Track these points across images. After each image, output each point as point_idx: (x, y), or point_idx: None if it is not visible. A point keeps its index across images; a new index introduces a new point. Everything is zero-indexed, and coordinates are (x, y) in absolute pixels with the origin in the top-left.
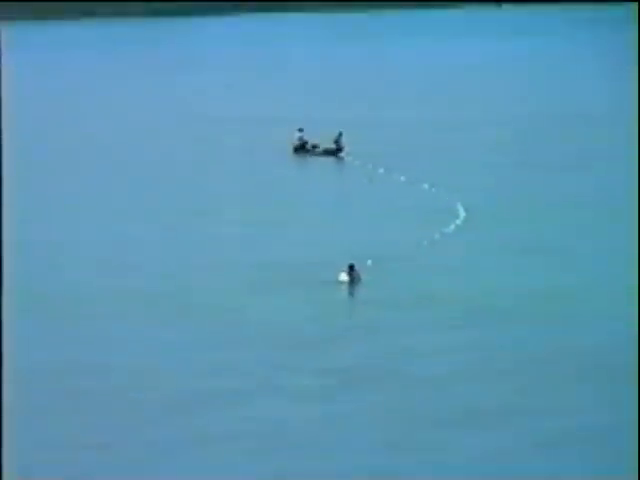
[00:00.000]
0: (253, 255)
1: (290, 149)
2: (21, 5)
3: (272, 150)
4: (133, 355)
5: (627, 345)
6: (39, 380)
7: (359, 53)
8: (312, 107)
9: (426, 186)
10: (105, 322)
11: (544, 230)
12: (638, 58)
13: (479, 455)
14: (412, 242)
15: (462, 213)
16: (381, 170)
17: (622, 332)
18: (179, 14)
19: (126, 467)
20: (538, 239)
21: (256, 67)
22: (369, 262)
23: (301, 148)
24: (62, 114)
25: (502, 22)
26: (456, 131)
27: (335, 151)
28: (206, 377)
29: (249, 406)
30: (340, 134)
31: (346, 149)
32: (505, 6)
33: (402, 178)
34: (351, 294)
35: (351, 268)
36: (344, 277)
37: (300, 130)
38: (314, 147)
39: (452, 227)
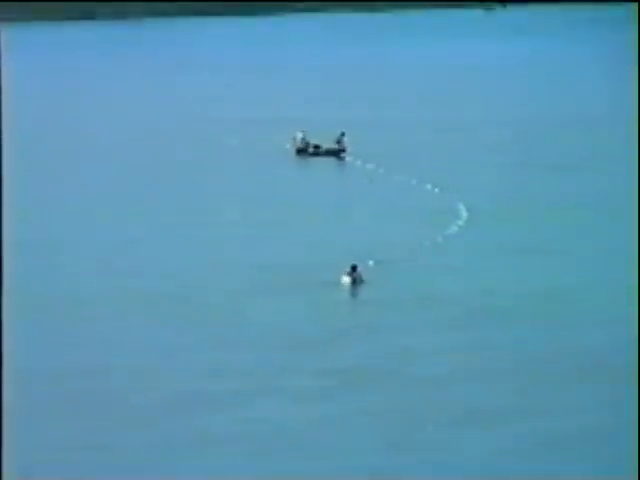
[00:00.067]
0: (255, 256)
1: (292, 150)
2: (21, 6)
3: (274, 151)
4: (133, 356)
5: (627, 345)
6: (39, 380)
7: (360, 54)
8: (314, 108)
9: (428, 186)
10: (105, 323)
11: (545, 231)
12: (638, 58)
13: (479, 455)
14: (414, 243)
15: (464, 214)
16: (383, 171)
17: (622, 332)
18: (179, 15)
19: (127, 468)
20: (539, 240)
21: (257, 68)
22: (371, 263)
23: (303, 149)
24: (62, 115)
25: (502, 23)
26: (458, 131)
27: (337, 152)
28: (207, 378)
29: (251, 407)
30: (342, 135)
31: (348, 150)
32: (509, 6)
33: (404, 179)
34: (353, 295)
35: (353, 269)
36: (346, 278)
37: (302, 131)
38: (316, 148)
39: (454, 228)
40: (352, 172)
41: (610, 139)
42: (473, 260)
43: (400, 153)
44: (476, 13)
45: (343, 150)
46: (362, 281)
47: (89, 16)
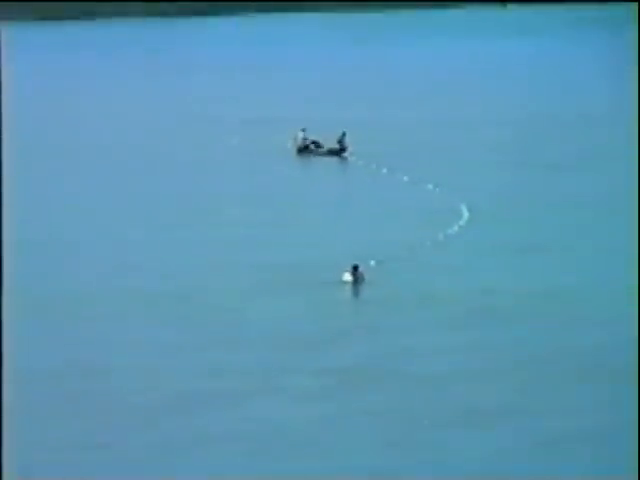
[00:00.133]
0: (256, 255)
1: (293, 149)
2: (21, 5)
3: (275, 150)
4: (133, 355)
5: (627, 345)
6: (39, 380)
7: (361, 53)
8: (315, 107)
9: (429, 186)
10: (105, 322)
11: (545, 230)
12: (638, 58)
13: (479, 455)
14: (415, 242)
15: (465, 213)
16: (384, 170)
17: (622, 332)
18: (180, 15)
19: (127, 467)
20: (539, 239)
21: (258, 67)
22: (373, 262)
23: (304, 148)
24: (62, 114)
25: (502, 22)
26: (459, 131)
27: (339, 151)
28: (208, 377)
29: (251, 406)
30: (344, 134)
31: (349, 149)
32: (510, 6)
33: (405, 178)
34: (355, 294)
35: (355, 269)
36: (348, 277)
37: (303, 130)
38: (317, 147)
39: (455, 227)
40: (353, 171)
41: (610, 138)
42: (474, 259)
43: (401, 152)
44: (476, 12)
45: (344, 149)
46: (363, 280)
47: (89, 16)
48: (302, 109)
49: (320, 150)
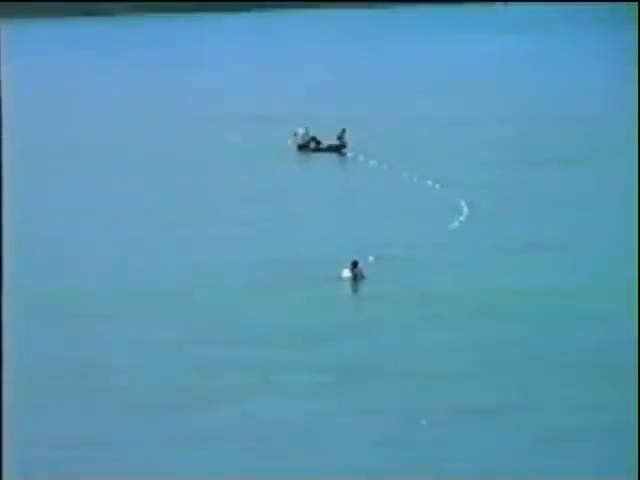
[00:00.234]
0: (256, 252)
1: (294, 146)
2: (21, 3)
3: (276, 147)
4: (133, 353)
5: (627, 344)
6: (39, 379)
7: (362, 50)
8: (316, 104)
9: (429, 183)
10: (105, 320)
11: (546, 228)
12: (638, 58)
13: (479, 453)
14: (415, 239)
15: (465, 210)
16: (384, 167)
17: (623, 330)
18: (181, 11)
19: (127, 465)
20: (540, 237)
21: (260, 64)
22: (372, 259)
23: (304, 145)
24: (62, 112)
25: (503, 21)
26: (459, 128)
27: (338, 147)
28: (207, 374)
29: (251, 403)
30: (343, 130)
31: (349, 146)
32: (511, 5)
33: (406, 175)
34: (354, 291)
35: (354, 265)
36: (347, 274)
37: (304, 127)
38: (317, 143)
39: (455, 224)
40: (353, 168)
41: (610, 137)
42: (474, 256)
43: (401, 149)
44: (478, 9)
45: (344, 146)
46: (363, 277)
47: (89, 13)
48: (303, 106)
49: (320, 146)
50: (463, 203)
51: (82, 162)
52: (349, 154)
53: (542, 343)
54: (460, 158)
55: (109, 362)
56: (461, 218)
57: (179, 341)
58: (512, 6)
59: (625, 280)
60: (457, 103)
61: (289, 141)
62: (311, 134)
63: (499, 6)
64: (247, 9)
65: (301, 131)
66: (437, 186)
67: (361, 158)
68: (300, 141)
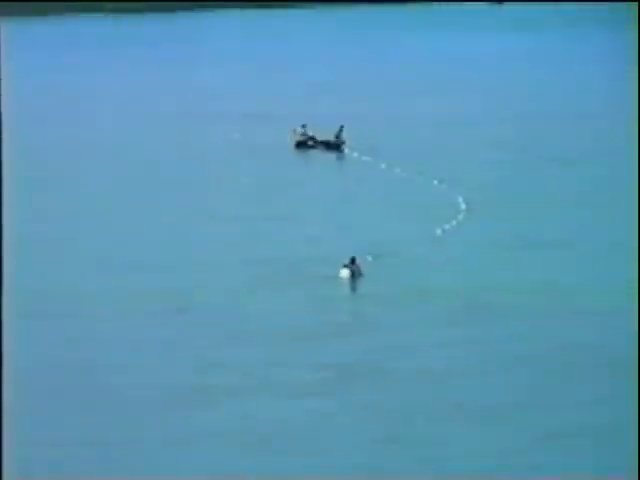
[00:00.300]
0: (254, 250)
1: (291, 143)
2: (21, 1)
3: (273, 145)
4: (131, 352)
5: (627, 341)
6: (39, 379)
7: (361, 48)
8: (315, 102)
9: (427, 181)
10: (104, 320)
11: (544, 225)
12: (638, 58)
13: (479, 452)
14: (413, 236)
15: (463, 207)
16: (383, 164)
17: (622, 328)
18: (180, 9)
19: (126, 465)
20: (538, 234)
21: (258, 62)
22: (370, 257)
23: (302, 142)
24: (62, 110)
25: (502, 19)
26: (458, 126)
27: (336, 145)
28: (205, 373)
29: (249, 402)
30: (341, 128)
31: (347, 143)
32: (506, 5)
33: (403, 172)
34: (352, 289)
35: (352, 261)
36: (345, 271)
37: (303, 126)
38: (314, 141)
39: (453, 222)
40: (351, 166)
41: (610, 136)
42: (472, 254)
43: (400, 147)
44: (477, 8)
45: (342, 143)
46: (361, 274)
47: (90, 11)
48: (301, 104)
49: (318, 144)
50: (461, 201)
51: (82, 161)
52: (347, 151)
53: (542, 341)
54: (459, 156)
55: (109, 362)
56: (460, 216)
57: (178, 340)
58: (507, 6)
59: (625, 277)
60: (456, 102)
61: (287, 139)
62: (309, 132)
63: (492, 6)
64: (247, 7)
65: (299, 129)
66: (435, 184)
67: (359, 156)
68: (298, 139)
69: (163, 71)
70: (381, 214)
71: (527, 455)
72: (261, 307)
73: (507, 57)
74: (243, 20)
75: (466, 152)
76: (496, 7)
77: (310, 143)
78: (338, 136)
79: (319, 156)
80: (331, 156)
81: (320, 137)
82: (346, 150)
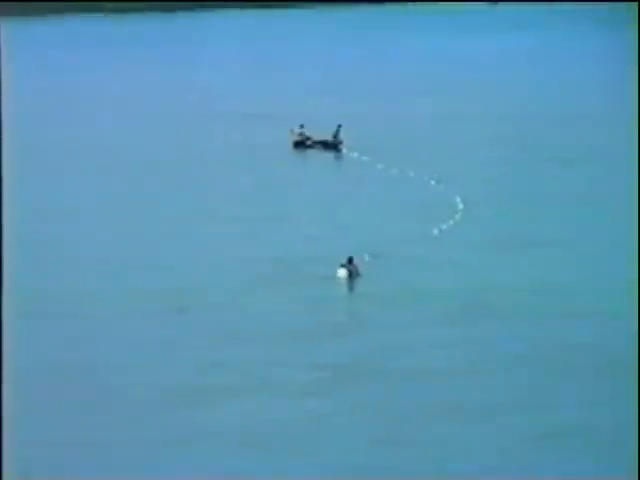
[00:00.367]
0: (251, 250)
1: (290, 144)
2: (21, 1)
3: (272, 145)
4: (130, 352)
5: (627, 341)
6: (39, 380)
7: (360, 48)
8: (313, 102)
9: (425, 180)
10: (103, 319)
11: (543, 225)
12: (638, 58)
13: (477, 452)
14: (410, 236)
15: (460, 207)
16: (380, 164)
17: (622, 328)
18: (180, 9)
19: (126, 465)
20: (537, 234)
21: (258, 62)
22: (367, 256)
23: (300, 142)
24: (62, 110)
25: (502, 19)
26: (456, 126)
27: (334, 145)
28: (204, 373)
29: (246, 402)
30: (339, 128)
31: (345, 143)
32: (501, 5)
33: (401, 172)
34: (349, 289)
35: (350, 261)
36: (343, 271)
37: (301, 126)
38: (313, 142)
39: (451, 221)
40: (349, 165)
41: (610, 136)
42: (470, 254)
43: (398, 147)
44: (477, 8)
45: (340, 143)
46: (358, 274)
47: (90, 11)
48: (300, 104)
49: (315, 144)
50: (459, 201)
51: (82, 161)
52: (345, 151)
53: (541, 341)
54: (457, 156)
55: (109, 362)
56: (457, 216)
57: (177, 340)
58: (501, 6)
59: (624, 277)
60: (456, 102)
61: (285, 139)
62: (307, 132)
63: (491, 6)
64: (246, 7)
65: (297, 129)
66: (433, 184)
67: (357, 155)
68: (296, 138)
69: (163, 71)
70: (378, 214)
71: (527, 455)
72: (258, 307)
73: (507, 57)
74: (243, 20)
75: (464, 152)
76: (495, 7)
77: (308, 143)
78: (336, 136)
79: (317, 156)
80: (329, 156)
81: (318, 137)
82: (344, 150)
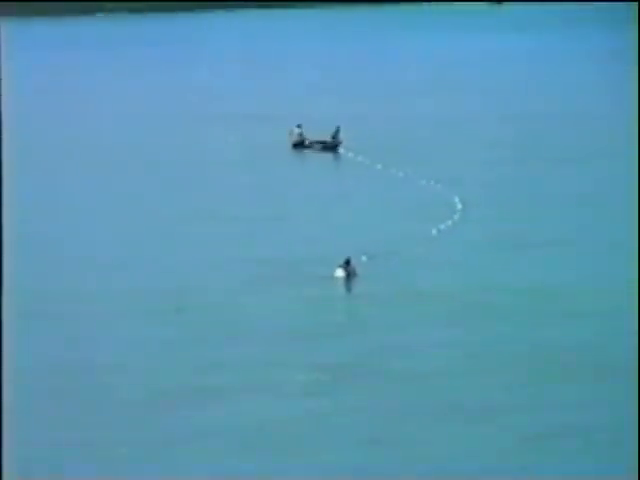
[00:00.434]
0: (249, 251)
1: (289, 145)
2: (21, 2)
3: (270, 145)
4: (129, 352)
5: (627, 341)
6: (39, 380)
7: (358, 49)
8: (312, 102)
9: (424, 181)
10: (103, 319)
11: (542, 225)
12: (638, 58)
13: (476, 452)
14: (409, 237)
15: (459, 208)
16: (379, 165)
17: (622, 328)
18: (180, 9)
19: (126, 465)
20: (537, 234)
21: (258, 63)
22: (365, 257)
23: (299, 143)
24: (62, 110)
25: (502, 19)
26: (454, 126)
27: (333, 146)
28: (203, 373)
29: (244, 402)
30: (337, 129)
31: (344, 144)
32: (505, 5)
33: (399, 173)
34: (347, 289)
35: (347, 263)
36: (340, 272)
37: (299, 126)
38: (312, 142)
39: (449, 222)
40: (347, 166)
41: (610, 136)
42: (468, 254)
43: (397, 147)
44: (477, 8)
45: (339, 144)
46: (356, 275)
47: (90, 11)
48: (299, 104)
49: (314, 145)
50: (458, 201)
51: (82, 161)
52: (343, 152)
53: (541, 341)
54: (456, 156)
55: (108, 362)
56: (456, 216)
57: (176, 340)
58: (506, 5)
59: (625, 277)
60: (455, 102)
61: (284, 140)
62: (306, 132)
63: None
64: (246, 8)
65: (296, 130)
66: (432, 184)
67: (356, 156)
68: (295, 139)
69: (163, 71)
70: (377, 214)
71: (527, 455)
72: (256, 307)
73: (507, 57)
74: (243, 20)
75: (464, 152)
76: (496, 7)
77: (307, 143)
78: (335, 137)
79: (316, 157)
80: (328, 157)
81: (317, 138)
82: (342, 150)
